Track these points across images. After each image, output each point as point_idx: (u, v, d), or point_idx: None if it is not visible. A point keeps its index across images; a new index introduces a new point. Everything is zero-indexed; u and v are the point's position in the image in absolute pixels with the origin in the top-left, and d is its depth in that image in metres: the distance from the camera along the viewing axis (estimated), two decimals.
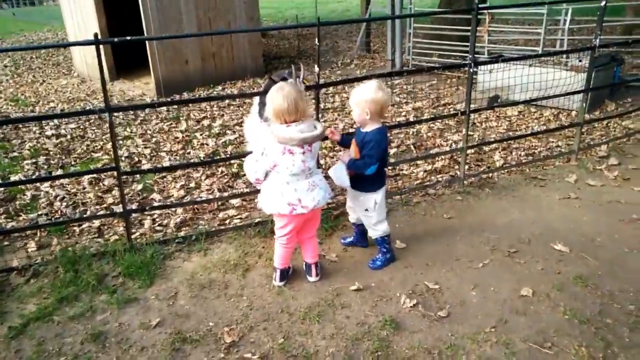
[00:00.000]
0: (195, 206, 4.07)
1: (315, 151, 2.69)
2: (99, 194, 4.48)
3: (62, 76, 10.64)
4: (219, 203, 4.10)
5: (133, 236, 3.67)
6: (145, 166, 5.13)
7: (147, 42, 8.14)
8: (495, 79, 5.65)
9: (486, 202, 4.00)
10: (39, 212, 4.15)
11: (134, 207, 4.18)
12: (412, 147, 5.38)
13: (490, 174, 4.48)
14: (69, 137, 6.17)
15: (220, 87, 8.79)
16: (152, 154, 5.50)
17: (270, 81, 3.30)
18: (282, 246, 2.92)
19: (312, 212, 2.76)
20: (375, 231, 3.13)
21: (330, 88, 7.47)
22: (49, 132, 6.32)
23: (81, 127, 6.60)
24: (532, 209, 3.87)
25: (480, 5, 3.78)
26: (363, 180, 2.95)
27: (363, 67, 9.71)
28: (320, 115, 3.79)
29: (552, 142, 5.30)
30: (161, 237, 3.63)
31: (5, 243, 3.69)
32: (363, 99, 2.82)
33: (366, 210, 3.08)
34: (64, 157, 5.50)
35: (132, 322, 2.77)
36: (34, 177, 4.97)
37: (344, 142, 3.10)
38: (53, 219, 4.08)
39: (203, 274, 3.18)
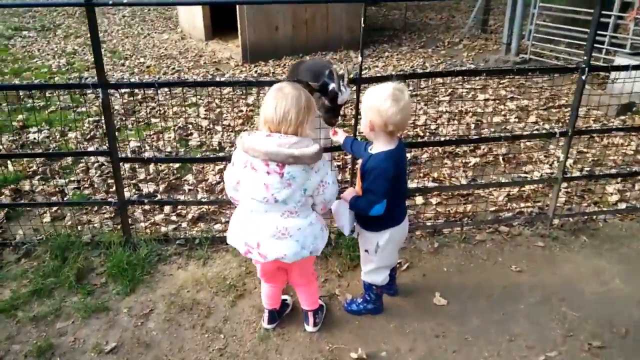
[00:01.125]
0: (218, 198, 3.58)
1: (292, 180, 1.87)
2: (135, 165, 4.19)
3: (167, 31, 10.78)
4: None
5: (145, 224, 3.30)
6: (195, 141, 4.76)
7: (237, 4, 7.76)
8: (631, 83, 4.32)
9: (577, 257, 2.99)
10: (71, 179, 3.98)
11: (161, 188, 3.84)
12: (500, 159, 4.35)
13: (594, 216, 3.38)
14: (139, 97, 6.05)
15: (309, 58, 8.20)
16: (208, 127, 5.13)
17: (295, 67, 2.63)
18: (265, 284, 2.30)
19: (285, 263, 2.07)
20: (366, 276, 2.40)
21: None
22: (123, 90, 6.26)
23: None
24: None
25: None
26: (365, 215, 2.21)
27: (472, 49, 8.44)
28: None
29: None
30: (170, 232, 3.21)
31: (28, 208, 3.53)
32: (367, 105, 2.05)
33: (365, 251, 2.34)
34: (124, 118, 5.35)
35: (88, 339, 2.38)
36: (88, 137, 4.86)
37: (353, 148, 2.41)
38: (82, 188, 3.88)
39: (191, 291, 2.69)
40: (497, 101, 5.85)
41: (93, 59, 2.56)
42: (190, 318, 2.51)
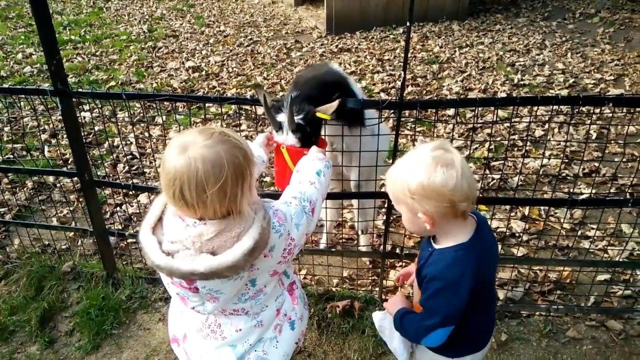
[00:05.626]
0: None
1: (215, 294, 1.15)
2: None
3: None
4: None
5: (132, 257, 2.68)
6: None
7: None
8: None
9: None
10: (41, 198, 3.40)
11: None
12: (628, 193, 3.15)
13: None
14: (204, 73, 5.58)
15: (401, 30, 7.12)
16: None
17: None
18: None
19: None
20: None
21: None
22: (190, 64, 5.84)
23: (229, 58, 6.00)
24: None
25: None
26: None
27: (611, 24, 6.68)
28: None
29: None
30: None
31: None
32: (406, 192, 1.22)
33: None
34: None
35: None
36: (126, 119, 4.20)
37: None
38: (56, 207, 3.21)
39: None
40: None
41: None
42: None
